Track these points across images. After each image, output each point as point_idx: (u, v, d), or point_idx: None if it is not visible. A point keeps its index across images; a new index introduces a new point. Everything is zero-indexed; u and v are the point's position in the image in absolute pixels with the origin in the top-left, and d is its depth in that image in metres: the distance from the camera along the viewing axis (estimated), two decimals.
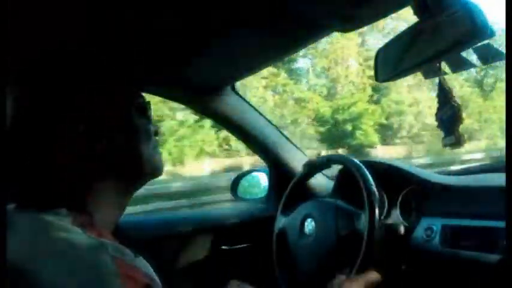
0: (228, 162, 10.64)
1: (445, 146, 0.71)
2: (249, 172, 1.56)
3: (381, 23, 12.39)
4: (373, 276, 0.77)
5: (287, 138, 1.40)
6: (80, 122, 0.52)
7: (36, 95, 0.52)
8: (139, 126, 0.58)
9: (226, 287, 0.82)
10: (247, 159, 9.16)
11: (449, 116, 0.69)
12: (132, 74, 0.62)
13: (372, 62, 0.79)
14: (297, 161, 1.36)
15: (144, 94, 0.63)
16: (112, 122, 0.55)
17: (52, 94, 0.52)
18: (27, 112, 0.51)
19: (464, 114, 0.69)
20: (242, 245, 1.32)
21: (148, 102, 0.62)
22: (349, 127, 12.79)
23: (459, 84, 13.94)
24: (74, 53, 0.58)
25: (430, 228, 0.96)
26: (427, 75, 0.73)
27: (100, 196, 0.53)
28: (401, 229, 1.04)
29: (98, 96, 0.55)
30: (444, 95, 0.69)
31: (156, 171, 0.60)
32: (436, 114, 0.71)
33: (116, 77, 0.59)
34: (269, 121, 1.36)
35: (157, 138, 0.62)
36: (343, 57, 14.41)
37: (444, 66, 0.70)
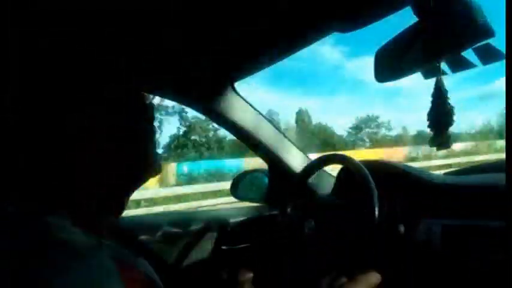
0: None
1: (432, 146, 0.70)
2: (249, 172, 1.56)
3: None
4: (374, 277, 0.77)
5: (287, 138, 1.40)
6: (88, 126, 0.51)
7: (40, 97, 0.52)
8: (145, 128, 0.58)
9: (236, 275, 0.81)
10: None
11: (442, 117, 0.68)
12: (134, 75, 0.61)
13: None
14: (296, 161, 1.36)
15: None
16: (120, 124, 0.54)
17: (57, 96, 0.52)
18: (30, 114, 0.51)
19: None
20: (242, 245, 1.33)
21: (151, 103, 0.62)
22: None
23: None
24: (80, 56, 0.58)
25: (430, 228, 0.96)
26: (427, 75, 0.73)
27: (103, 197, 0.53)
28: (401, 229, 1.04)
29: (105, 99, 0.54)
30: (439, 96, 0.69)
31: (157, 170, 0.60)
32: (429, 114, 0.70)
33: (121, 79, 0.59)
34: (269, 121, 1.36)
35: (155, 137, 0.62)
36: None
37: (444, 66, 0.69)
